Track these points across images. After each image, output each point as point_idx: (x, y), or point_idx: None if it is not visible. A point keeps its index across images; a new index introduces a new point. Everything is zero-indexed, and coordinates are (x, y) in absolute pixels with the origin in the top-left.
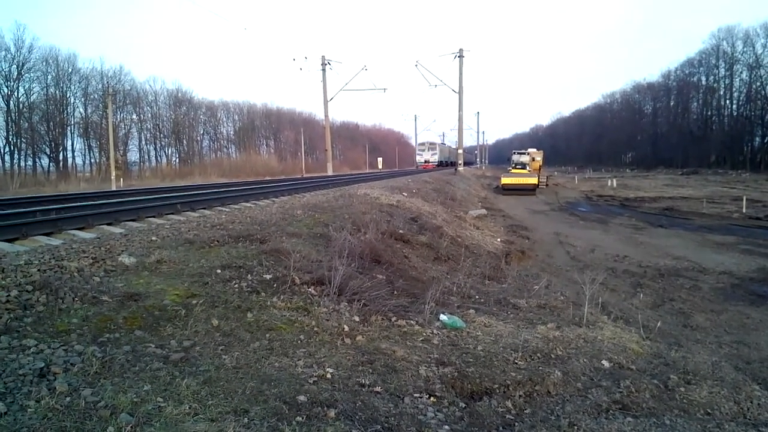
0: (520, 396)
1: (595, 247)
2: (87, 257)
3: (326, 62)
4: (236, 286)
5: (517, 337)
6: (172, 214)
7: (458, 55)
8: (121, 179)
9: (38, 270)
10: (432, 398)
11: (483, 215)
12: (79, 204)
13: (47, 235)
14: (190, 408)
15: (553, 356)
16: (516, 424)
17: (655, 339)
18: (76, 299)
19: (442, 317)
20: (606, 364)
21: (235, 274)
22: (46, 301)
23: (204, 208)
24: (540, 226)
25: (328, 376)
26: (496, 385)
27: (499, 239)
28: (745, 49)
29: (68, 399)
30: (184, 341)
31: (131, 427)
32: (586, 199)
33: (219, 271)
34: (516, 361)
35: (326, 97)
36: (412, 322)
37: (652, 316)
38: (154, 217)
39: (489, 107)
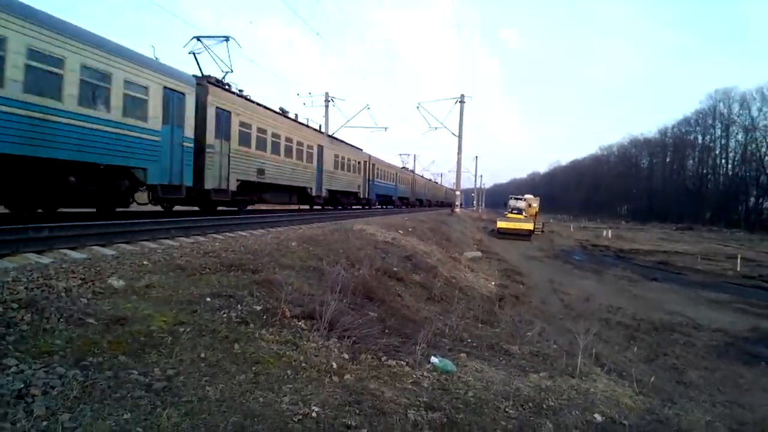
0: None
1: (589, 296)
2: (76, 277)
3: (329, 99)
4: (225, 315)
5: (509, 384)
6: (166, 238)
7: (459, 100)
8: None
9: (25, 288)
10: None
11: (478, 257)
12: (72, 224)
13: (38, 253)
14: None
15: (544, 406)
16: None
17: (649, 394)
18: (62, 320)
19: (434, 360)
20: (598, 417)
21: (224, 303)
22: (30, 320)
23: (198, 235)
24: (534, 272)
25: (314, 414)
26: None
27: (493, 283)
28: (741, 112)
29: (45, 423)
30: (168, 370)
31: None
32: (581, 247)
33: (209, 299)
34: (507, 409)
35: (328, 132)
36: (402, 362)
37: (645, 370)
38: (147, 240)
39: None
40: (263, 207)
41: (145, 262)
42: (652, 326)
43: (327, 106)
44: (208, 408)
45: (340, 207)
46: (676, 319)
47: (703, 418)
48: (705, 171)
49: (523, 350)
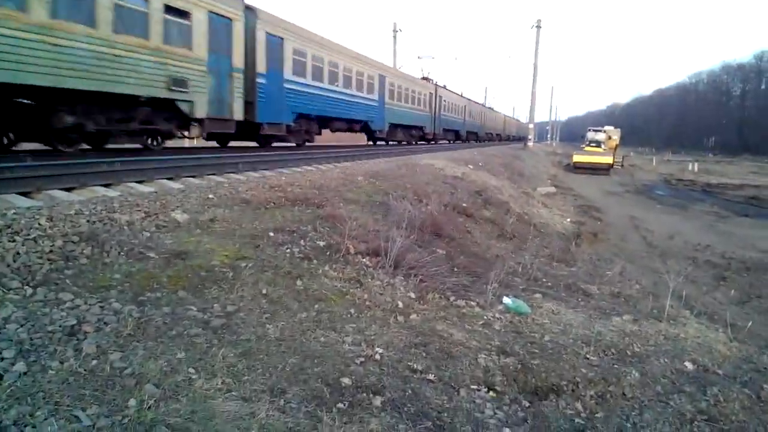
0: (591, 397)
1: (674, 233)
2: (140, 211)
3: (397, 29)
4: (288, 251)
5: (590, 328)
6: (233, 173)
7: (536, 25)
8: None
9: (87, 221)
10: (491, 393)
11: (552, 193)
12: (143, 158)
13: (106, 186)
14: (222, 383)
15: (629, 353)
16: (586, 431)
17: (744, 340)
18: (122, 254)
19: (506, 300)
20: (689, 366)
21: (288, 238)
22: (90, 254)
23: (266, 169)
24: (613, 208)
25: (377, 357)
26: (565, 383)
27: (568, 219)
28: None
29: (94, 362)
30: (228, 306)
31: (155, 400)
32: (665, 182)
33: (272, 234)
34: (588, 356)
35: (395, 63)
36: (472, 303)
37: (738, 314)
38: (214, 174)
39: (563, 82)
40: (330, 142)
41: (210, 196)
42: (744, 266)
43: (395, 37)
44: (266, 348)
45: (404, 143)
46: None
47: None
48: None
49: (603, 291)
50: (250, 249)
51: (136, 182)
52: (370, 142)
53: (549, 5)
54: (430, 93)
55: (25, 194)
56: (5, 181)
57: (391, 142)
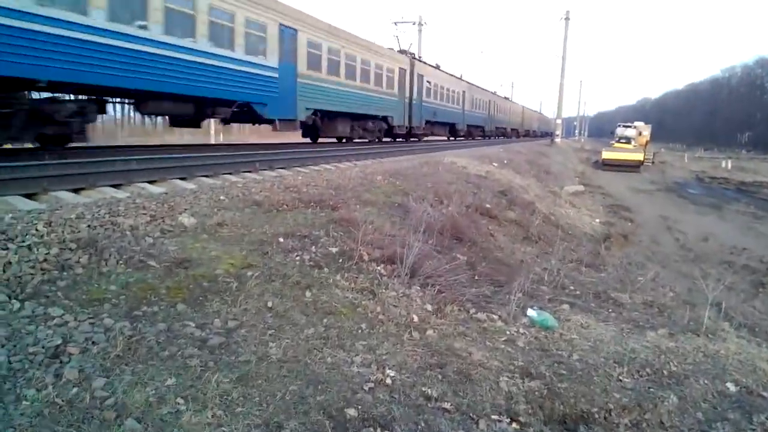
0: (625, 426)
1: (708, 235)
2: (146, 214)
3: (422, 22)
4: (298, 258)
5: (622, 344)
6: (249, 172)
7: (564, 17)
8: (221, 134)
9: (88, 226)
10: (514, 424)
11: (580, 192)
12: (159, 156)
13: (115, 186)
14: (213, 416)
15: (666, 373)
16: None
17: None
18: (121, 262)
19: (531, 313)
20: (732, 387)
21: (298, 244)
22: (86, 263)
23: (282, 168)
24: (644, 207)
25: (388, 381)
26: (596, 410)
27: (598, 220)
28: None
29: (74, 391)
30: (230, 321)
31: None
32: (697, 180)
33: (282, 239)
34: (621, 377)
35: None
36: (494, 316)
37: None
38: (230, 174)
39: (593, 76)
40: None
41: (221, 197)
42: None
43: (420, 30)
44: (266, 371)
45: (427, 138)
46: None
47: None
48: None
49: (635, 299)
50: (258, 256)
51: (147, 182)
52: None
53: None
54: (401, 69)
55: (29, 196)
56: (7, 182)
57: (411, 139)
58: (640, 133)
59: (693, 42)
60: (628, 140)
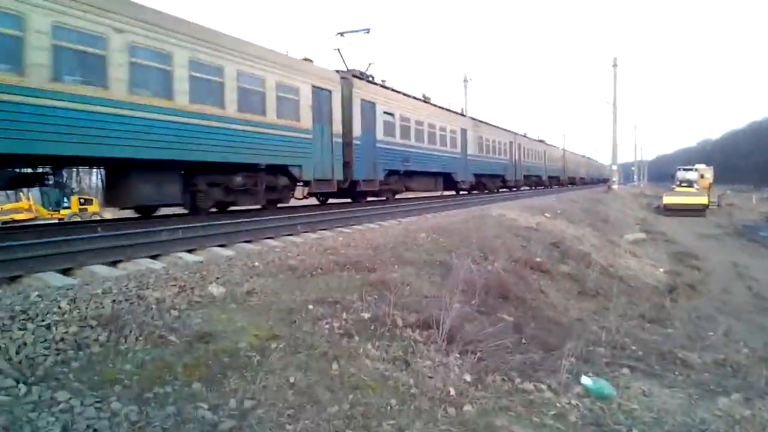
0: None
1: None
2: (175, 285)
3: (467, 79)
4: (327, 326)
5: (690, 414)
6: (290, 235)
7: (613, 64)
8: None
9: (113, 301)
10: None
11: (641, 240)
12: (200, 225)
13: (153, 257)
14: None
15: None
16: None
17: None
18: (140, 338)
19: (585, 381)
20: None
21: (328, 311)
22: (105, 341)
23: (325, 229)
24: (712, 254)
25: None
26: None
27: (661, 269)
28: None
29: None
30: (246, 401)
31: None
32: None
33: (311, 306)
34: None
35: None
36: (542, 385)
37: None
38: (271, 238)
39: (648, 121)
40: (409, 195)
41: (256, 263)
42: None
43: (466, 87)
44: None
45: (486, 191)
46: None
47: None
48: None
49: (705, 358)
50: (285, 326)
51: (186, 251)
52: (452, 192)
53: (631, 41)
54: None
55: (65, 271)
56: (43, 258)
57: (471, 192)
58: (702, 176)
59: (752, 79)
60: (689, 183)
